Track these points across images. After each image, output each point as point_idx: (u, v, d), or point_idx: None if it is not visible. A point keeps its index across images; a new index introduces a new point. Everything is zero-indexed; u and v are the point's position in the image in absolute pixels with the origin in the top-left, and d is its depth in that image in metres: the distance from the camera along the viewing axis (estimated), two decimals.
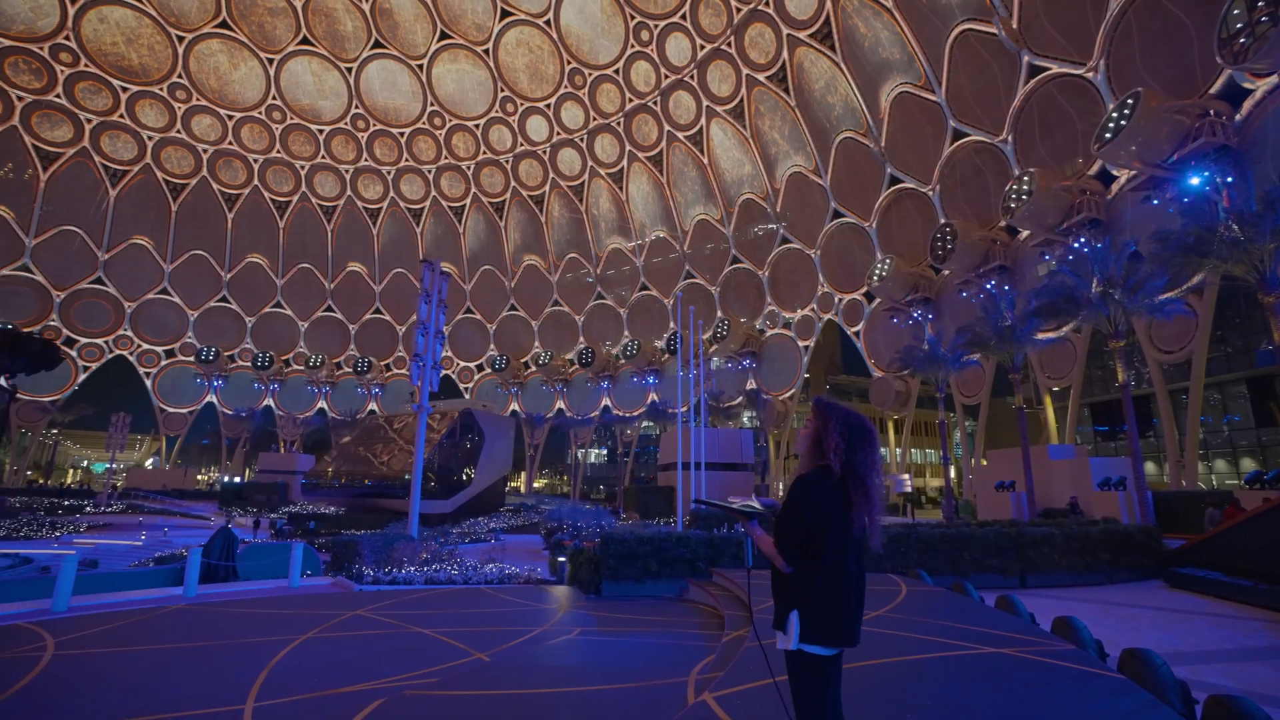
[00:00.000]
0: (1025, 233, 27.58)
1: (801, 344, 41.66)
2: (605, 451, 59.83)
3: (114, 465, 42.72)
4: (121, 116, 46.32)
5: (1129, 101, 20.97)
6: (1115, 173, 23.88)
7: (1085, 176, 24.99)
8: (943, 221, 30.02)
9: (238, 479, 51.26)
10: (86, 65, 43.64)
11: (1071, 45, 24.12)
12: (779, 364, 42.88)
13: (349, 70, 48.04)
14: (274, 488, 39.23)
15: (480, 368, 57.23)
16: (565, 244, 52.75)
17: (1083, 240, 23.22)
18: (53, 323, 46.93)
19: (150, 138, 47.66)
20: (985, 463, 28.64)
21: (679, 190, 45.78)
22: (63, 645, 5.29)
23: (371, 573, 10.25)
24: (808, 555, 2.32)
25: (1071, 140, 25.48)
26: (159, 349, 51.36)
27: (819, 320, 40.61)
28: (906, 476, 37.94)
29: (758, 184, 41.04)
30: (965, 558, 10.72)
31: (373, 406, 55.52)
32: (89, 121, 45.70)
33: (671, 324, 47.38)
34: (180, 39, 44.52)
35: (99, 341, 48.95)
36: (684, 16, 37.97)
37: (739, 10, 35.29)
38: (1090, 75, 23.81)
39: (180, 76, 46.10)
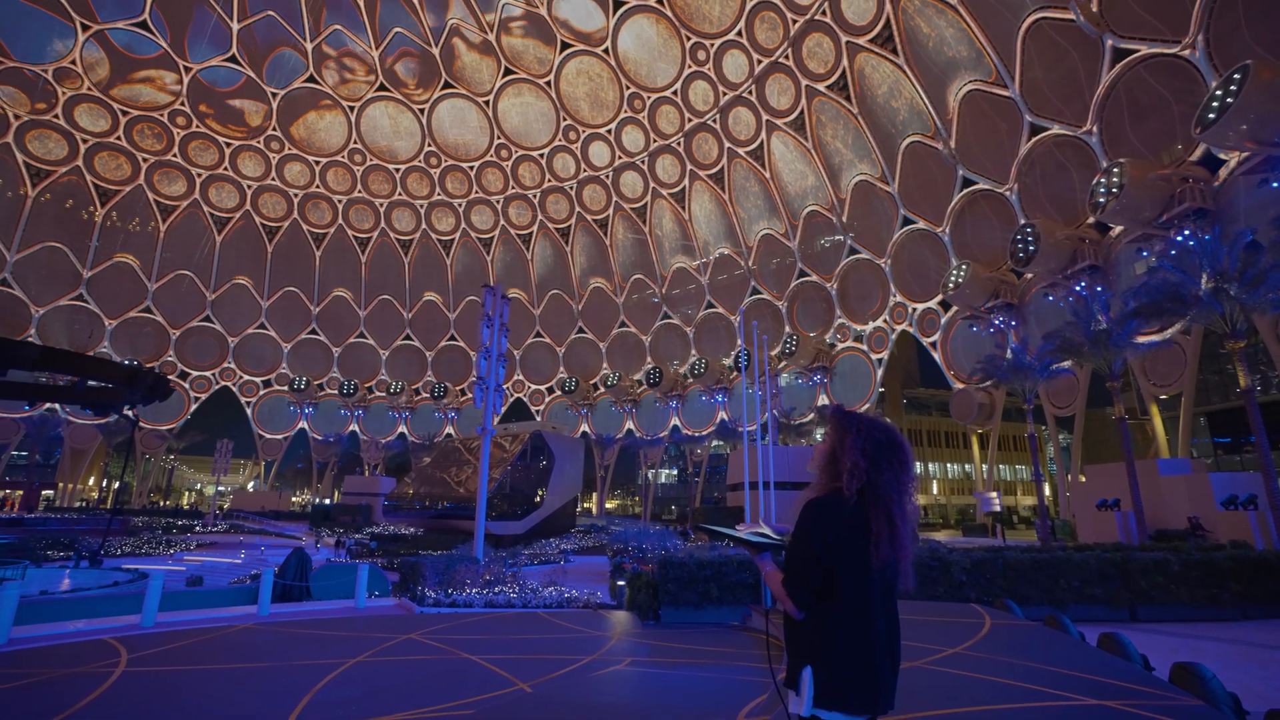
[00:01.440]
0: (1117, 229, 25.45)
1: (875, 357, 40.00)
2: (675, 471, 59.34)
3: (220, 488, 46.14)
4: (226, 169, 50.71)
5: (1235, 77, 19.07)
6: (1222, 156, 21.71)
7: (1186, 164, 22.85)
8: (1023, 222, 28.18)
9: (327, 501, 54.14)
10: (197, 126, 48.15)
11: (1162, 23, 22.27)
12: (851, 378, 41.31)
13: (421, 111, 50.74)
14: (359, 509, 41.07)
15: (550, 390, 58.22)
16: (630, 266, 53.18)
17: (1187, 233, 21.14)
18: (169, 358, 51.48)
19: (249, 186, 51.88)
20: (1084, 479, 26.32)
21: (742, 206, 45.35)
22: (134, 662, 5.54)
23: (433, 595, 10.37)
24: (821, 597, 1.96)
25: (1167, 126, 23.42)
26: (257, 380, 55.34)
27: (892, 332, 38.91)
28: (994, 494, 35.41)
29: (822, 195, 40.07)
30: (1062, 586, 9.56)
31: (449, 430, 57.44)
32: (199, 175, 50.27)
33: (739, 341, 46.71)
34: (273, 95, 48.42)
35: (207, 374, 53.30)
36: (740, 33, 37.89)
37: (795, 22, 34.87)
38: (1187, 53, 21.86)
39: (274, 129, 50.09)
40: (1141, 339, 23.22)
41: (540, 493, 35.10)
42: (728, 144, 43.37)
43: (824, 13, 33.33)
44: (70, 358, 25.69)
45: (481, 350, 17.54)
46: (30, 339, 44.47)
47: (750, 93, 40.01)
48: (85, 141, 45.32)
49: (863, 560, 1.96)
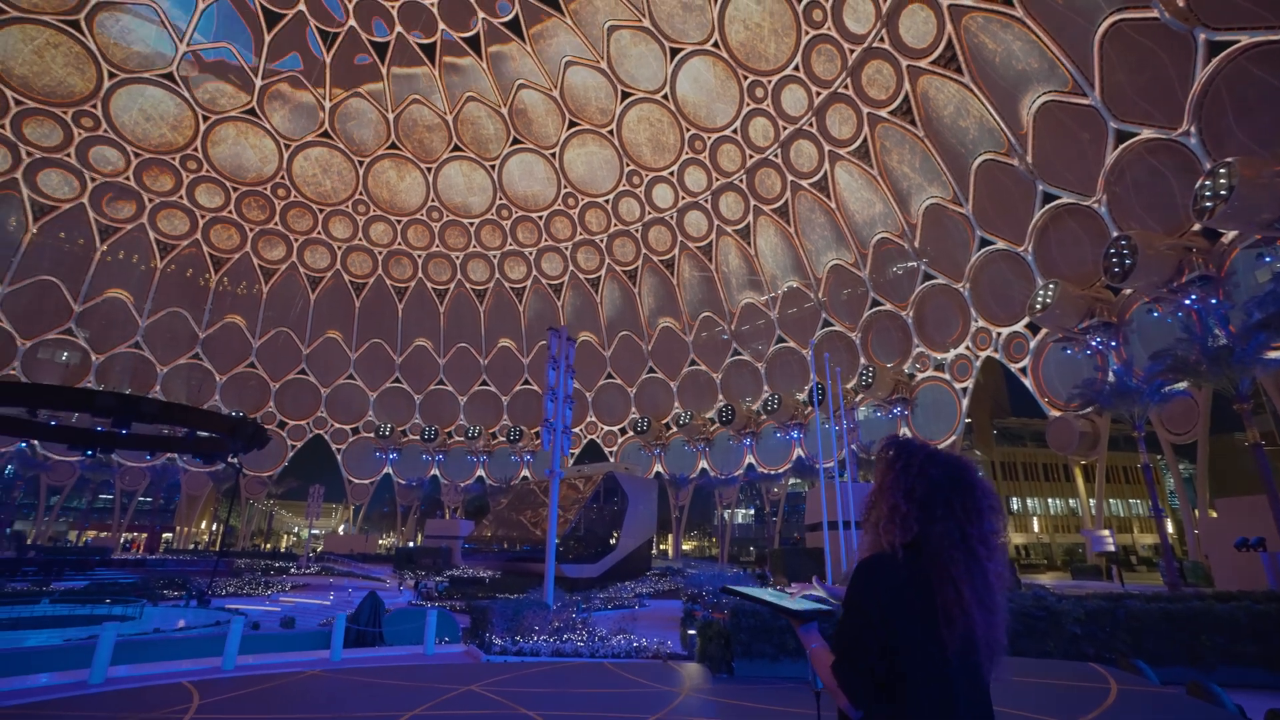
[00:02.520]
0: (1230, 234, 23.18)
1: (958, 386, 37.79)
2: (752, 511, 57.68)
3: (314, 531, 48.84)
4: (319, 233, 54.97)
5: None
6: None
7: None
8: (1116, 235, 26.18)
9: (410, 543, 55.93)
10: (295, 195, 52.71)
11: (1265, 9, 20.56)
12: (934, 410, 39.10)
13: (492, 167, 53.48)
14: (439, 552, 42.11)
15: (623, 431, 58.38)
16: (698, 304, 53.21)
17: None
18: (270, 409, 55.36)
19: (339, 247, 55.95)
20: (1214, 514, 23.46)
21: (808, 238, 44.69)
22: (203, 708, 5.71)
23: (500, 642, 10.28)
24: (884, 693, 1.50)
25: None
26: (346, 427, 58.53)
27: (976, 359, 36.71)
28: (1106, 533, 32.14)
29: (891, 222, 38.92)
30: (1204, 643, 8.08)
31: (525, 472, 58.41)
32: (296, 240, 54.70)
33: (812, 375, 45.39)
34: (361, 163, 52.50)
35: (302, 423, 56.90)
36: (796, 68, 37.99)
37: (852, 52, 34.63)
38: None
39: (361, 194, 54.11)
40: (1272, 353, 20.75)
41: (615, 535, 34.82)
42: (790, 177, 43.11)
43: (882, 39, 32.95)
44: (182, 411, 28.01)
45: (548, 393, 17.79)
46: (156, 395, 49.08)
47: (811, 125, 39.81)
48: (203, 217, 50.40)
49: (933, 642, 1.49)
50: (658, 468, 54.90)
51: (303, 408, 56.94)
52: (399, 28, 45.78)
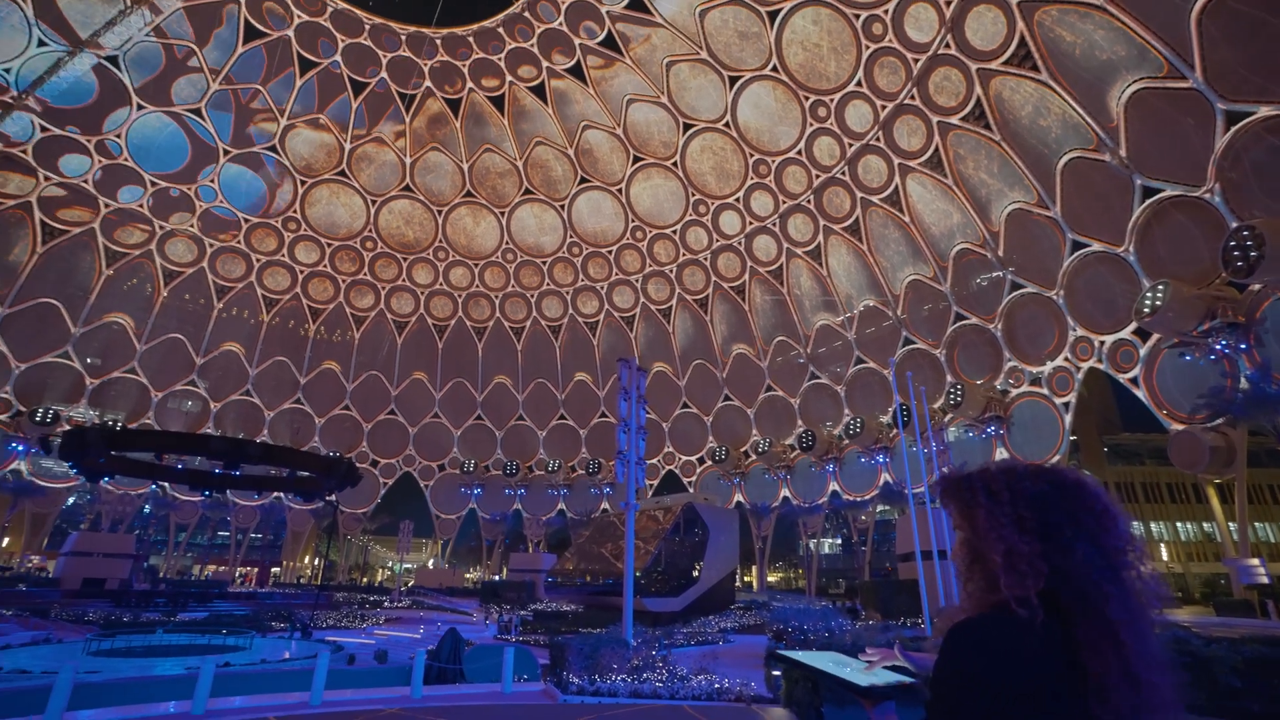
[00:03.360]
0: None
1: (1059, 401, 34.96)
2: (839, 540, 55.19)
3: (407, 565, 50.87)
4: (403, 280, 58.35)
5: None
6: None
7: None
8: (1236, 225, 23.73)
9: (495, 577, 57.04)
10: (381, 246, 56.39)
11: None
12: (1034, 428, 36.29)
13: (562, 207, 55.26)
14: (523, 586, 42.63)
15: (701, 461, 57.70)
16: (771, 328, 52.35)
17: None
18: (363, 449, 58.51)
19: (422, 292, 59.10)
20: None
21: (882, 255, 43.22)
22: None
23: (578, 681, 10.14)
24: None
25: None
26: (433, 464, 60.93)
27: (1077, 370, 33.91)
28: (1256, 561, 28.39)
29: (971, 231, 37.04)
30: None
31: (605, 505, 58.58)
32: (384, 288, 58.25)
33: (895, 396, 43.38)
34: (439, 212, 55.63)
35: (393, 461, 59.76)
36: (859, 83, 37.31)
37: (916, 61, 33.66)
38: None
39: (441, 241, 57.18)
40: None
41: (696, 567, 34.16)
42: (860, 194, 42.04)
43: (947, 45, 31.88)
44: (283, 452, 30.02)
45: (621, 424, 17.78)
46: (264, 439, 53.04)
47: (878, 139, 38.81)
48: (302, 272, 54.69)
49: None
50: (738, 497, 53.67)
51: (393, 446, 59.85)
52: (469, 84, 48.64)
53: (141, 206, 45.91)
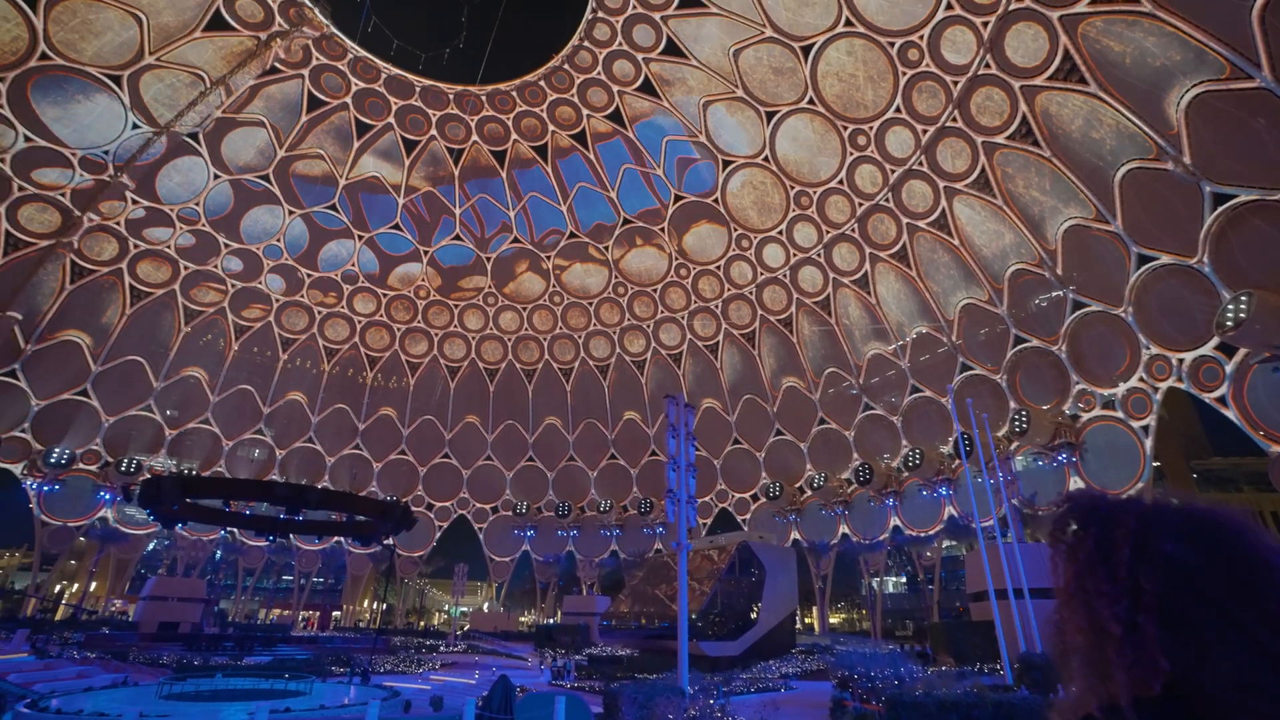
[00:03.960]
0: None
1: (1137, 424, 32.75)
2: (904, 579, 52.44)
3: (463, 608, 51.05)
4: (456, 326, 60.22)
5: None
6: None
7: None
8: None
9: (550, 621, 56.47)
10: (433, 295, 58.51)
11: None
12: (1110, 454, 34.03)
13: (605, 247, 56.29)
14: (577, 629, 42.06)
15: (754, 497, 56.41)
16: (821, 360, 51.39)
17: None
18: (419, 493, 59.67)
19: (473, 338, 60.75)
20: None
21: (933, 280, 42.14)
22: None
23: None
24: None
25: None
26: (486, 507, 61.54)
27: (1154, 391, 31.78)
28: None
29: (1026, 251, 35.75)
30: None
31: (658, 545, 57.67)
32: (437, 335, 60.20)
33: (954, 425, 41.55)
34: (488, 259, 57.50)
35: (447, 504, 60.67)
36: (898, 109, 37.10)
37: (956, 84, 33.28)
38: None
39: (490, 287, 58.92)
40: None
41: (754, 608, 33.09)
42: (905, 220, 41.34)
43: (987, 65, 31.44)
44: (340, 497, 30.89)
45: (669, 461, 17.53)
46: (325, 485, 54.83)
47: (921, 164, 38.29)
48: (360, 322, 57.18)
49: None
50: (794, 535, 51.97)
51: (447, 489, 60.83)
52: (514, 135, 50.74)
53: (216, 267, 49.20)
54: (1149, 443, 32.39)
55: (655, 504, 58.66)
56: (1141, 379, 32.28)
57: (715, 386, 57.80)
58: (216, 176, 46.29)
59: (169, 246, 46.71)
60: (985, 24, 30.38)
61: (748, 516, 55.92)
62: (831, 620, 51.63)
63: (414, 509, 56.16)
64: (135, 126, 41.05)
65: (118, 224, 44.27)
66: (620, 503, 61.07)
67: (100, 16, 37.14)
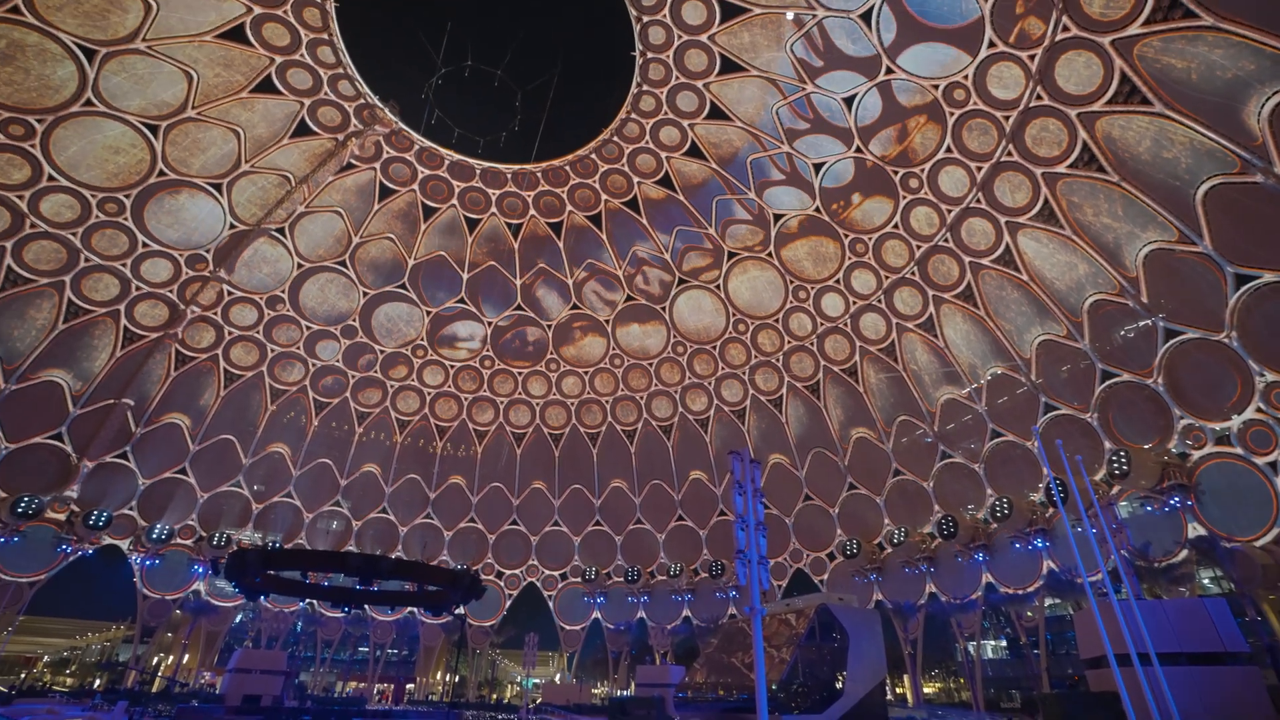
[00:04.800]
0: None
1: (1261, 460, 29.41)
2: (1004, 642, 47.72)
3: (533, 680, 49.86)
4: (520, 394, 61.61)
5: None
6: None
7: None
8: None
9: (623, 692, 54.22)
10: (499, 364, 60.37)
11: None
12: (1232, 496, 30.53)
13: (663, 309, 56.97)
14: (652, 702, 39.94)
15: (831, 556, 53.58)
16: (891, 408, 49.42)
17: None
18: (489, 560, 59.84)
19: (537, 404, 61.88)
20: None
21: (1003, 318, 40.28)
22: None
23: None
24: None
25: None
26: (555, 574, 60.92)
27: (1276, 422, 28.65)
28: None
29: (1103, 280, 33.77)
30: None
31: (731, 609, 55.22)
32: (502, 403, 61.70)
33: (1044, 470, 38.56)
34: (549, 327, 59.19)
35: (516, 572, 60.47)
36: (948, 150, 36.67)
37: (1007, 118, 32.69)
38: None
39: (552, 353, 60.35)
40: None
41: (839, 677, 30.84)
42: (968, 259, 40.08)
43: (1039, 97, 30.79)
44: (411, 566, 31.31)
45: (738, 520, 16.87)
46: (398, 555, 55.89)
47: (978, 201, 37.35)
48: (429, 394, 59.42)
49: None
50: (877, 595, 48.63)
51: (516, 556, 60.75)
52: (569, 206, 53.00)
53: (298, 348, 52.70)
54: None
55: (726, 566, 56.55)
56: (1259, 409, 29.26)
57: (782, 441, 56.25)
58: (300, 265, 50.29)
59: (258, 331, 50.57)
60: (1032, 57, 30.01)
61: (825, 577, 52.96)
62: (926, 690, 47.33)
63: (484, 577, 56.31)
64: (232, 226, 45.51)
65: (215, 314, 48.44)
66: (690, 566, 59.20)
67: (207, 134, 42.01)
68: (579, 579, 60.19)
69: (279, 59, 40.29)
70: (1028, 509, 39.80)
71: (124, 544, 47.25)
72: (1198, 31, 24.40)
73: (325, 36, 39.76)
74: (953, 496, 45.66)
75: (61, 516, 44.30)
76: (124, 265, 43.70)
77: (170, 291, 45.67)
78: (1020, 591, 40.29)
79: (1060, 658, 42.30)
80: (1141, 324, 33.05)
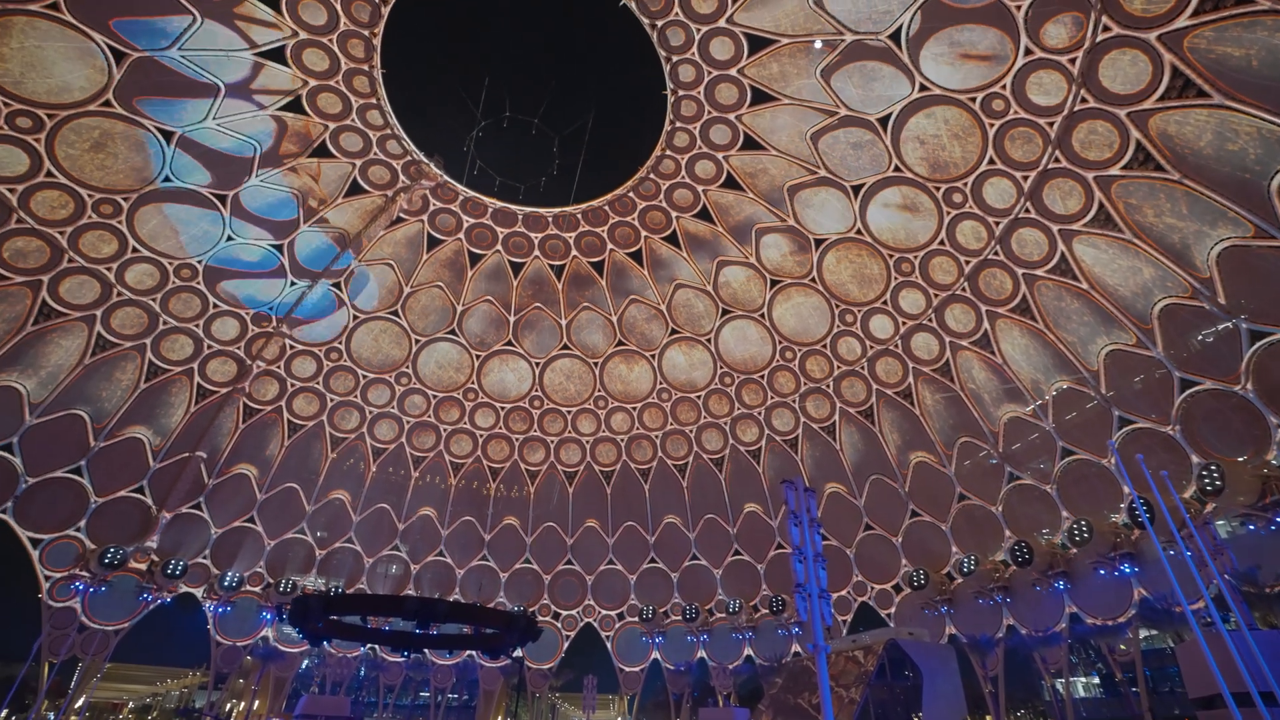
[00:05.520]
0: None
1: None
2: (1096, 679, 43.95)
3: None
4: (570, 432, 61.91)
5: None
6: None
7: None
8: None
9: None
10: (548, 404, 61.04)
11: None
12: None
13: (708, 341, 56.80)
14: None
15: (897, 588, 51.06)
16: (950, 430, 47.47)
17: None
18: (545, 601, 59.47)
19: (587, 441, 62.02)
20: None
21: (1064, 330, 38.47)
22: None
23: None
24: None
25: None
26: (612, 613, 59.96)
27: None
28: None
29: (1172, 284, 31.90)
30: None
31: (795, 647, 53.00)
32: (552, 442, 62.10)
33: (1124, 488, 35.98)
34: (595, 364, 59.71)
35: (573, 612, 59.79)
36: (991, 161, 35.79)
37: (1051, 124, 31.74)
38: None
39: (600, 390, 60.67)
40: None
41: (916, 718, 29.13)
42: (1020, 270, 38.65)
43: (1083, 100, 29.84)
44: (467, 610, 31.41)
45: (795, 552, 16.26)
46: (455, 598, 56.18)
47: (1027, 211, 36.15)
48: (481, 436, 60.40)
49: None
50: (949, 629, 45.82)
51: (571, 597, 60.18)
52: (610, 245, 53.90)
53: (356, 396, 54.67)
54: None
55: (787, 601, 54.56)
56: None
57: (838, 469, 54.55)
58: (355, 316, 52.58)
59: (318, 381, 52.79)
60: (1072, 60, 29.24)
61: (892, 610, 50.38)
62: None
63: (540, 618, 55.96)
64: (292, 284, 48.10)
65: (278, 367, 50.90)
66: (750, 602, 57.36)
67: (269, 199, 44.97)
68: (636, 618, 59.04)
69: (332, 125, 43.00)
70: (1110, 531, 37.09)
71: (198, 592, 49.13)
72: (1254, 17, 23.35)
73: (373, 101, 42.26)
74: (1025, 520, 43.06)
75: (143, 566, 46.51)
76: (197, 326, 46.64)
77: (238, 348, 48.37)
78: (1110, 622, 37.23)
79: (1164, 696, 38.56)
80: (1221, 327, 30.95)
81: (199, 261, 44.89)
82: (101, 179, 39.31)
